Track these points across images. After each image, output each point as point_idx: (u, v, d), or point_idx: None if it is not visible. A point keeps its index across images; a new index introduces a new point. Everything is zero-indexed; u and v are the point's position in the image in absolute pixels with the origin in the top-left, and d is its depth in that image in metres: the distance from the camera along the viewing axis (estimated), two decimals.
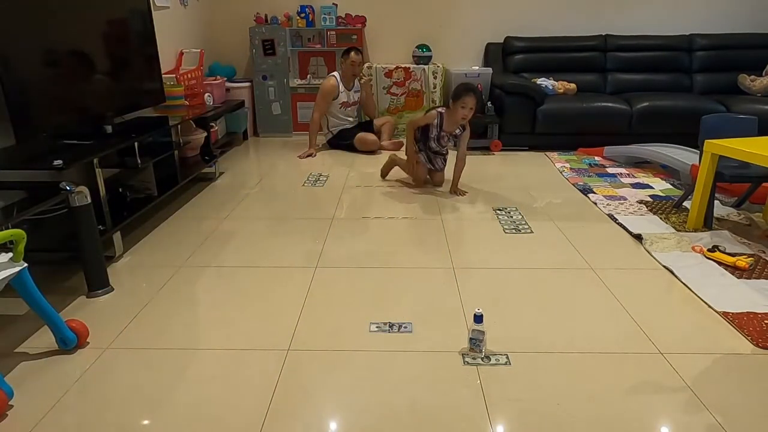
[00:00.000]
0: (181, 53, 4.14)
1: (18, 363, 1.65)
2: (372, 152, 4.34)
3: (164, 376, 1.58)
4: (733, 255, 2.30)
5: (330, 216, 2.93)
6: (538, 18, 4.87)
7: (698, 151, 2.73)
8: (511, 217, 2.90)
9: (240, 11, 4.91)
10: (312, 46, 4.92)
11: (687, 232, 2.63)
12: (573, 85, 4.48)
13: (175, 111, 3.44)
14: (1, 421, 1.41)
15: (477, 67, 4.69)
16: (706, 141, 2.56)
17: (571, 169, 3.84)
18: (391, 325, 1.84)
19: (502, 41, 4.86)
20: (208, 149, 3.65)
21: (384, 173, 3.66)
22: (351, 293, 2.08)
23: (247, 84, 4.85)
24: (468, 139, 3.33)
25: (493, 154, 4.32)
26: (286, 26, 4.78)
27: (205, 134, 3.62)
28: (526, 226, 2.76)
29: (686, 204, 2.94)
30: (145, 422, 1.40)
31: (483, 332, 1.65)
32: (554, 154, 4.24)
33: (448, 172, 3.41)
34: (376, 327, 1.84)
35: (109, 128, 2.63)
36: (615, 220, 2.82)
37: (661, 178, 3.57)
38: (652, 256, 2.39)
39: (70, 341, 1.69)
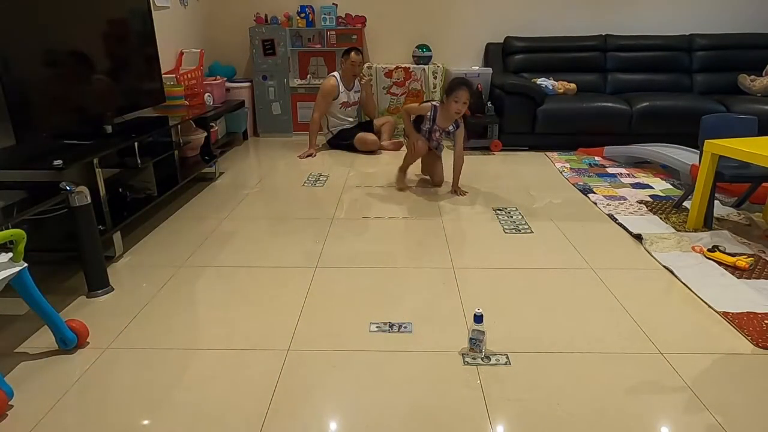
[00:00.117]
0: (181, 53, 4.14)
1: (18, 363, 1.65)
2: (372, 152, 4.35)
3: (164, 376, 1.58)
4: (733, 255, 2.30)
5: (330, 216, 2.93)
6: (538, 18, 4.87)
7: (698, 151, 2.73)
8: (511, 217, 2.90)
9: (240, 11, 4.91)
10: (312, 46, 4.93)
11: (687, 232, 2.63)
12: (573, 85, 4.48)
13: (175, 111, 3.44)
14: (1, 421, 1.41)
15: (477, 67, 4.69)
16: (706, 141, 2.56)
17: (571, 169, 3.84)
18: (391, 325, 1.84)
19: (502, 41, 4.86)
20: (208, 149, 3.65)
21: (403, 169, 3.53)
22: (351, 293, 2.08)
23: (247, 84, 4.86)
24: (463, 136, 3.31)
25: (493, 154, 4.32)
26: (286, 26, 4.78)
27: (205, 134, 3.62)
28: (526, 226, 2.76)
29: (686, 204, 2.94)
30: (145, 422, 1.40)
31: (483, 332, 1.65)
32: (554, 154, 4.24)
33: (447, 174, 3.41)
34: (376, 327, 1.84)
35: (109, 128, 2.63)
36: (615, 220, 2.82)
37: (661, 178, 3.57)
38: (652, 256, 2.39)
39: (70, 341, 1.69)
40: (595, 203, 3.10)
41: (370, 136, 4.36)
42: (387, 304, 1.99)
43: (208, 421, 1.40)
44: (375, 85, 4.80)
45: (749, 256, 2.31)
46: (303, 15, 4.77)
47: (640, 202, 3.11)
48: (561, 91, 4.44)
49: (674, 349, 1.71)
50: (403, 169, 3.48)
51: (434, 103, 3.28)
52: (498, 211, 2.98)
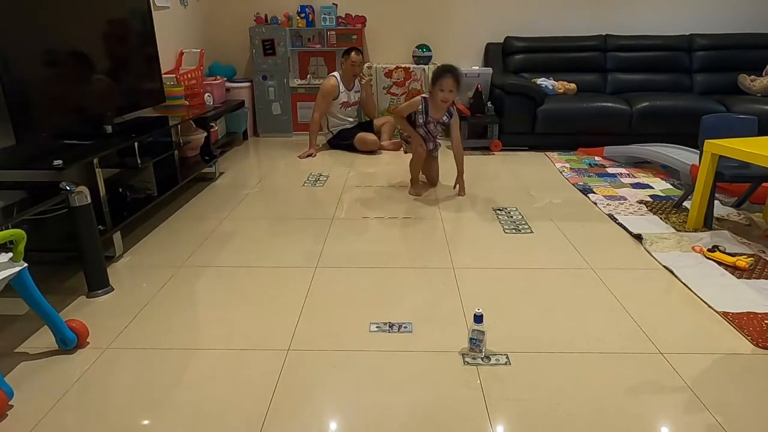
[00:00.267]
0: (181, 53, 4.14)
1: (18, 363, 1.65)
2: (372, 152, 4.35)
3: (164, 376, 1.58)
4: (733, 255, 2.30)
5: (330, 216, 2.93)
6: (538, 18, 4.87)
7: (698, 151, 2.73)
8: (511, 217, 2.90)
9: (240, 11, 4.91)
10: (312, 46, 4.93)
11: (687, 232, 2.63)
12: (573, 85, 4.48)
13: (175, 111, 3.44)
14: (1, 421, 1.41)
15: (477, 67, 4.69)
16: (706, 141, 2.56)
17: (571, 169, 3.84)
18: (391, 325, 1.84)
19: (502, 41, 4.86)
20: (208, 149, 3.65)
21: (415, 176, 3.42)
22: (351, 293, 2.08)
23: (247, 84, 4.86)
24: (459, 125, 3.26)
25: (493, 154, 4.32)
26: (286, 26, 4.78)
27: (205, 134, 3.62)
28: (526, 226, 2.76)
29: (686, 204, 2.93)
30: (145, 422, 1.40)
31: (483, 332, 1.64)
32: (554, 154, 4.24)
33: (444, 176, 3.42)
34: (376, 327, 1.84)
35: (109, 128, 2.63)
36: (615, 220, 2.82)
37: (661, 178, 3.57)
38: (652, 256, 2.39)
39: (70, 341, 1.69)
40: (595, 203, 3.10)
41: (370, 136, 4.36)
42: (387, 304, 1.99)
43: (208, 421, 1.40)
44: (375, 85, 4.80)
45: (749, 256, 2.31)
46: (303, 15, 4.77)
47: (640, 202, 3.11)
48: (561, 91, 4.44)
49: (674, 349, 1.71)
50: (414, 179, 3.37)
51: (423, 95, 3.21)
52: (498, 211, 2.98)
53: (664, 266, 2.28)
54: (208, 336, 1.80)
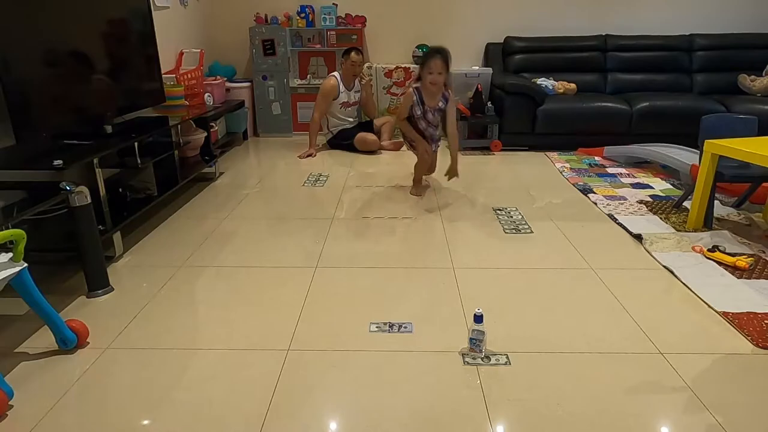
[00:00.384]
0: (181, 53, 4.14)
1: (18, 363, 1.65)
2: (372, 152, 4.35)
3: (164, 376, 1.58)
4: (733, 255, 2.30)
5: (330, 216, 2.93)
6: (538, 18, 4.87)
7: (698, 151, 2.73)
8: (511, 217, 2.90)
9: (240, 11, 4.91)
10: (312, 46, 4.93)
11: (687, 232, 2.63)
12: (573, 85, 4.48)
13: (175, 111, 3.44)
14: (1, 421, 1.41)
15: (477, 67, 4.69)
16: (706, 141, 2.56)
17: (571, 169, 3.84)
18: (391, 325, 1.84)
19: (502, 41, 4.86)
20: (208, 149, 3.65)
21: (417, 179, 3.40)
22: (351, 293, 2.08)
23: (247, 84, 4.86)
24: (455, 110, 3.16)
25: (493, 154, 4.32)
26: (286, 26, 4.78)
27: (205, 134, 3.62)
28: (526, 226, 2.76)
29: (686, 204, 2.93)
30: (145, 422, 1.40)
31: (483, 332, 1.65)
32: (554, 154, 4.24)
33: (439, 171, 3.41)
34: (376, 327, 1.84)
35: (109, 128, 2.63)
36: (615, 220, 2.82)
37: (661, 178, 3.57)
38: (652, 256, 2.39)
39: (70, 341, 1.69)
40: (595, 203, 3.10)
41: (370, 136, 4.36)
42: (387, 304, 1.99)
43: (208, 421, 1.40)
44: (375, 85, 4.80)
45: (749, 256, 2.31)
46: (303, 15, 4.77)
47: (640, 202, 3.11)
48: (561, 91, 4.44)
49: (674, 349, 1.71)
50: (417, 180, 3.36)
51: (414, 86, 3.12)
52: (498, 211, 2.98)
53: (664, 266, 2.28)
54: (208, 336, 1.80)
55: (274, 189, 3.46)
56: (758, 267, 2.24)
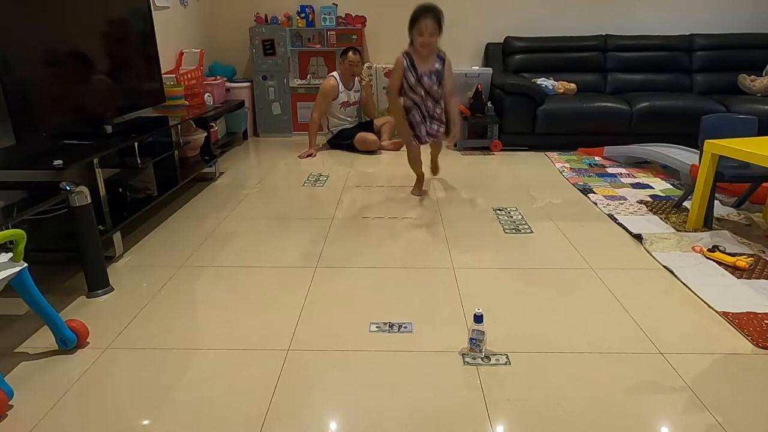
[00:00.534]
0: (181, 53, 4.14)
1: (18, 363, 1.65)
2: (372, 152, 4.35)
3: (164, 376, 1.58)
4: (733, 255, 2.30)
5: (330, 216, 2.93)
6: (538, 18, 4.87)
7: (698, 151, 2.73)
8: (511, 217, 2.90)
9: (240, 11, 4.91)
10: (312, 46, 4.93)
11: (687, 232, 2.63)
12: (573, 85, 4.48)
13: (175, 111, 3.44)
14: (1, 421, 1.41)
15: (477, 67, 4.69)
16: (706, 141, 2.56)
17: (571, 169, 3.84)
18: (391, 325, 1.84)
19: (502, 41, 4.86)
20: (208, 149, 3.65)
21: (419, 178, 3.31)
22: (351, 293, 2.08)
23: (247, 84, 4.86)
24: (452, 71, 2.93)
25: (493, 154, 4.32)
26: (286, 26, 4.78)
27: (205, 134, 3.62)
28: (526, 226, 2.76)
29: (686, 204, 2.93)
30: (145, 422, 1.40)
31: (483, 332, 1.64)
32: (554, 154, 4.24)
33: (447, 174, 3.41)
34: (376, 327, 1.84)
35: (109, 128, 2.63)
36: (615, 220, 2.82)
37: (661, 178, 3.57)
38: (652, 256, 2.39)
39: (70, 341, 1.69)
40: (595, 203, 3.10)
41: (371, 136, 4.36)
42: (387, 304, 1.99)
43: (208, 421, 1.40)
44: (375, 85, 4.80)
45: (749, 256, 2.31)
46: (303, 15, 4.77)
47: (640, 202, 3.11)
48: (561, 91, 4.44)
49: (674, 349, 1.71)
50: (418, 177, 3.28)
51: (404, 51, 2.88)
52: (498, 211, 2.98)
53: (664, 266, 2.28)
54: (208, 336, 1.80)
55: (274, 189, 3.46)
56: (758, 267, 2.24)
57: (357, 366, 1.63)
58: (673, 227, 2.70)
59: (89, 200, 2.00)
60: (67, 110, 2.40)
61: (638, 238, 2.56)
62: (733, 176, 2.63)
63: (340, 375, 1.59)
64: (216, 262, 2.36)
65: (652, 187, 3.39)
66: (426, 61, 2.87)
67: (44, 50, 2.22)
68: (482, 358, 1.65)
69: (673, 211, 2.92)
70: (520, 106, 4.22)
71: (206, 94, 4.04)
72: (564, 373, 1.59)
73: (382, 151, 4.40)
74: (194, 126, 3.60)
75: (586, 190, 3.33)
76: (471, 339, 1.66)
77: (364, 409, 1.45)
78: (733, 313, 1.88)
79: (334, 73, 4.36)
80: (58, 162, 1.99)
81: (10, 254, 1.56)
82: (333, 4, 4.76)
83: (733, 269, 2.23)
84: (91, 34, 2.58)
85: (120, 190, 2.80)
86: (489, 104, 4.41)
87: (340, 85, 4.33)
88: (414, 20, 2.75)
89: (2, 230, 1.53)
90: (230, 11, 4.94)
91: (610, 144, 4.12)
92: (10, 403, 1.46)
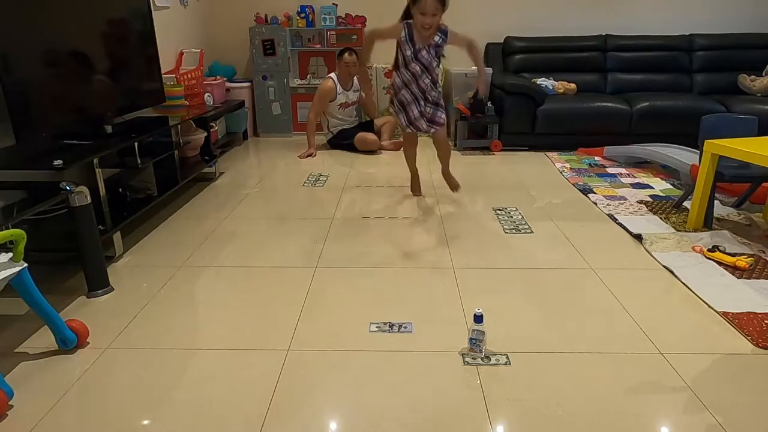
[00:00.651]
0: (181, 53, 4.14)
1: (18, 363, 1.65)
2: (372, 152, 4.35)
3: (164, 376, 1.58)
4: (733, 255, 2.30)
5: (330, 216, 2.92)
6: (538, 18, 4.87)
7: (698, 151, 2.73)
8: (511, 217, 2.90)
9: (240, 11, 4.91)
10: (312, 46, 4.93)
11: (687, 232, 2.63)
12: (573, 85, 4.48)
13: (175, 111, 3.44)
14: (1, 421, 1.41)
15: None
16: (706, 141, 2.56)
17: (571, 169, 3.84)
18: (391, 325, 1.84)
19: (502, 41, 4.86)
20: (208, 149, 3.65)
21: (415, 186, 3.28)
22: (351, 293, 2.08)
23: (247, 84, 4.86)
24: (459, 32, 2.80)
25: (493, 154, 4.32)
26: (286, 26, 4.78)
27: (205, 134, 3.62)
28: (526, 226, 2.76)
29: (686, 204, 2.93)
30: (145, 422, 1.40)
31: (483, 332, 1.64)
32: (554, 154, 4.24)
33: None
34: (376, 327, 1.84)
35: (109, 128, 2.63)
36: (615, 220, 2.82)
37: (661, 178, 3.57)
38: (652, 256, 2.39)
39: (70, 341, 1.69)
40: (595, 203, 3.10)
41: (371, 136, 4.36)
42: (387, 304, 1.99)
43: (208, 421, 1.40)
44: (375, 85, 4.80)
45: (749, 256, 2.31)
46: (303, 15, 4.77)
47: (640, 202, 3.10)
48: (561, 91, 4.44)
49: (674, 349, 1.70)
50: (412, 172, 3.24)
51: (406, 21, 2.73)
52: (498, 211, 2.98)
53: (664, 266, 2.28)
54: (208, 336, 1.80)
55: (274, 189, 3.46)
56: (758, 267, 2.24)
57: (357, 366, 1.63)
58: (673, 227, 2.70)
59: (89, 200, 2.00)
60: (67, 110, 2.40)
61: (638, 238, 2.56)
62: (733, 176, 2.63)
63: (340, 375, 1.59)
64: (216, 262, 2.36)
65: (652, 187, 3.39)
66: (425, 39, 2.73)
67: (44, 50, 2.22)
68: (482, 358, 1.65)
69: (673, 211, 2.92)
70: (520, 106, 4.22)
71: (206, 94, 4.04)
72: (564, 373, 1.59)
73: (382, 151, 4.40)
74: (194, 126, 3.60)
75: (586, 190, 3.33)
76: (471, 339, 1.66)
77: (364, 409, 1.45)
78: (733, 313, 1.88)
79: (332, 75, 4.36)
80: (58, 162, 1.99)
81: (10, 254, 1.56)
82: (333, 4, 4.76)
83: (733, 269, 2.23)
84: (91, 34, 2.58)
85: (120, 190, 2.79)
86: (489, 104, 4.41)
87: (338, 86, 4.33)
88: None
89: (2, 230, 1.53)
90: (230, 11, 4.94)
91: (610, 144, 4.12)
92: (10, 403, 1.46)
